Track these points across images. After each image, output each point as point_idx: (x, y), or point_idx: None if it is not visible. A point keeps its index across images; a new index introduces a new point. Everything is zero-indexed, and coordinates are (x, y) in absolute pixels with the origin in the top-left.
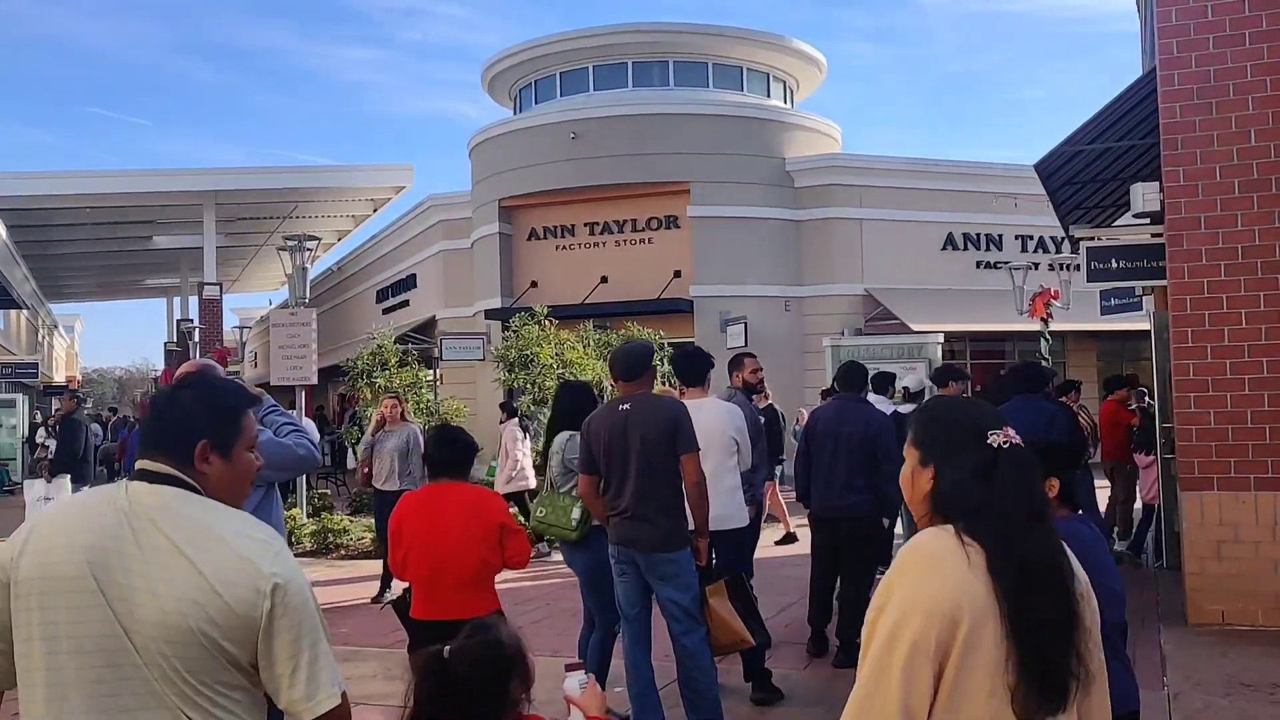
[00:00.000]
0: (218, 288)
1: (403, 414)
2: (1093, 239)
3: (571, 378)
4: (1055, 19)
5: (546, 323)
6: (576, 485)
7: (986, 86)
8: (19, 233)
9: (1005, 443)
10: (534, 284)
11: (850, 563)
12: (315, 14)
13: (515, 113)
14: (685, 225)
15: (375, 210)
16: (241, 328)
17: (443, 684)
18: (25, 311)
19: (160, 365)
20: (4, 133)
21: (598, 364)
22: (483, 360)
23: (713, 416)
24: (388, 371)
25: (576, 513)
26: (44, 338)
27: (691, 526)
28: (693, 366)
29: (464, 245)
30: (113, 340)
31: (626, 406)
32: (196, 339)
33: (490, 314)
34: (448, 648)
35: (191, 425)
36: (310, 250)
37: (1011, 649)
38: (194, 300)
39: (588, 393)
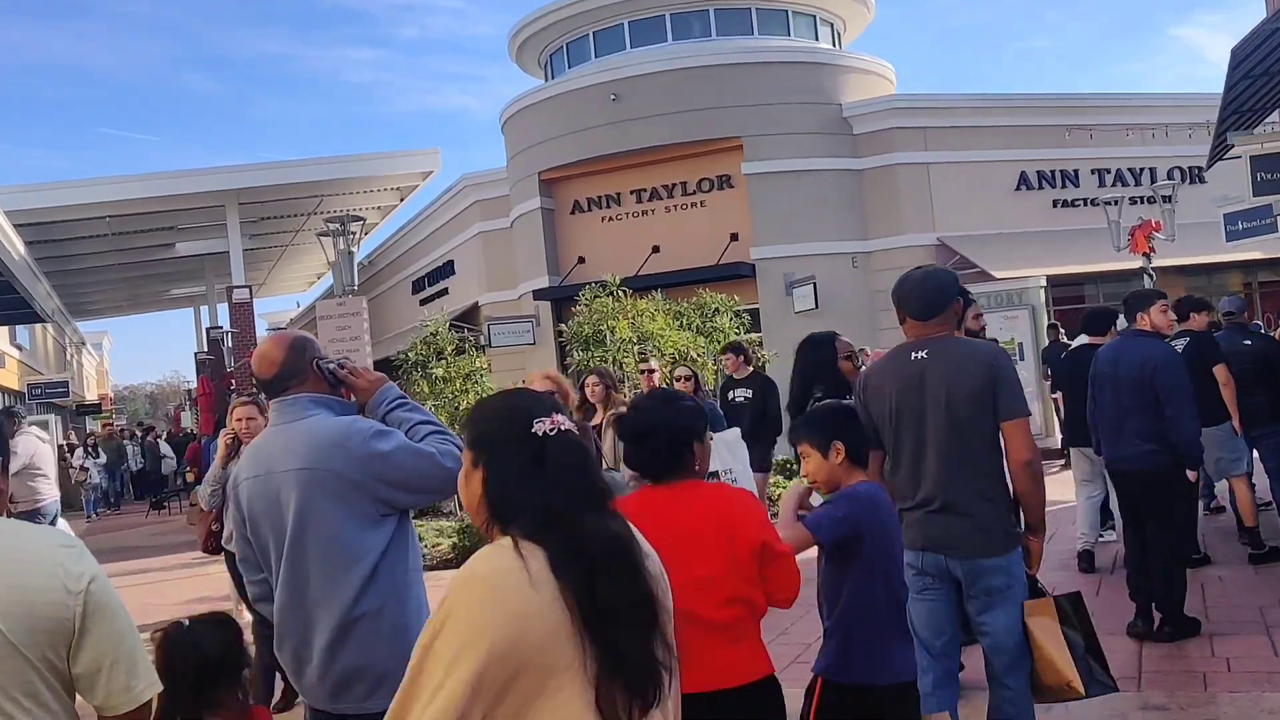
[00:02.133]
0: (248, 290)
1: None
2: (1258, 147)
3: (656, 352)
4: None
5: (621, 294)
6: None
7: (993, 38)
8: (39, 248)
9: (552, 429)
10: (581, 260)
11: (1154, 524)
12: (312, 18)
13: (547, 80)
14: (740, 184)
15: (402, 199)
16: (275, 328)
17: (190, 656)
18: (51, 330)
19: (191, 377)
20: (18, 158)
21: (678, 335)
22: (533, 344)
23: None
24: (444, 361)
25: None
26: (72, 356)
27: (1021, 521)
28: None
29: (503, 225)
30: (142, 355)
31: (922, 354)
32: (229, 344)
33: (539, 294)
34: (186, 620)
35: None
36: (354, 233)
37: (590, 649)
38: (222, 307)
39: (833, 346)
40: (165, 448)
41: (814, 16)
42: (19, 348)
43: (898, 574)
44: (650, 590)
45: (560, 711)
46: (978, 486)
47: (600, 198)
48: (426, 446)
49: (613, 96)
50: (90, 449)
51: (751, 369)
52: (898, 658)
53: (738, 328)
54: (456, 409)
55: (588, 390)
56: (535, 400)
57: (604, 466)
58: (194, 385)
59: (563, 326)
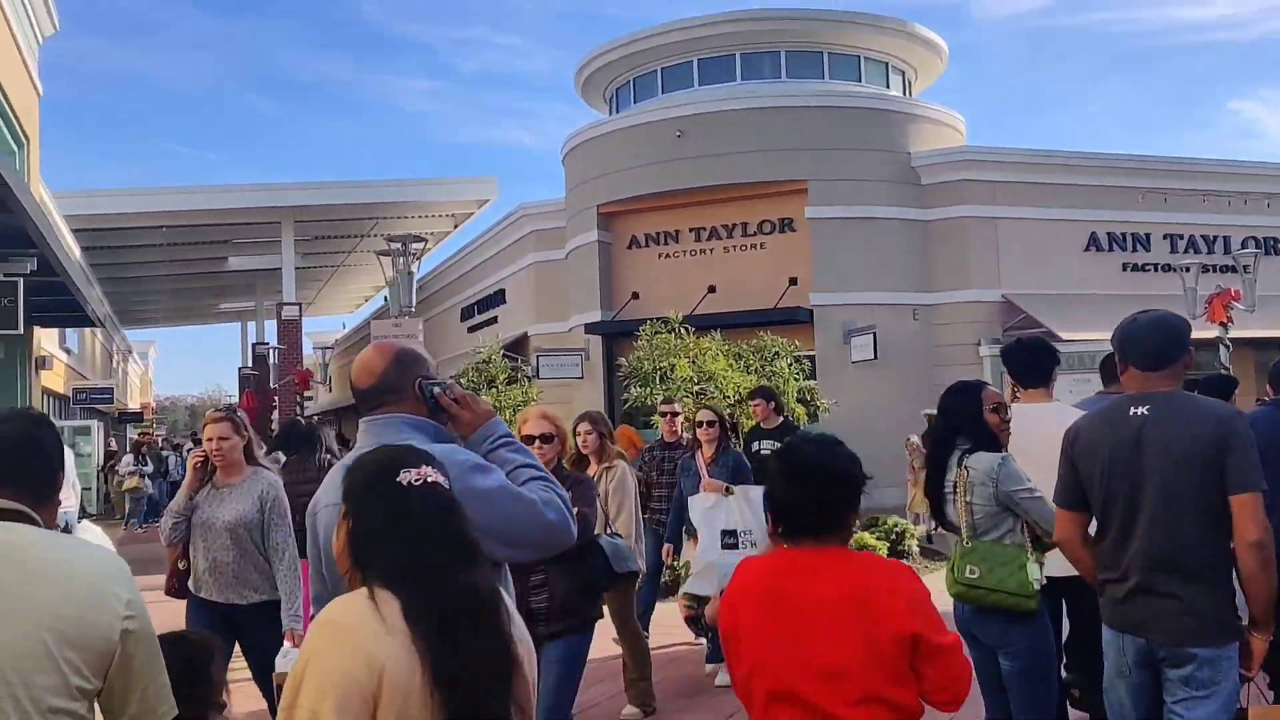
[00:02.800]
0: (297, 308)
1: (249, 452)
2: None
3: (716, 392)
4: (1113, 34)
5: (683, 331)
6: (1014, 531)
7: (1048, 103)
8: (94, 254)
9: (417, 480)
10: (635, 295)
11: None
12: (374, 45)
13: (611, 114)
14: (802, 228)
15: (456, 226)
16: (322, 349)
17: None
18: (100, 336)
19: (234, 391)
20: (80, 167)
21: (740, 376)
22: (581, 379)
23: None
24: (495, 389)
25: (1038, 571)
26: (118, 364)
27: (1244, 614)
28: (1031, 360)
29: (558, 256)
30: (185, 367)
31: (1143, 410)
32: (275, 360)
33: (590, 328)
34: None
35: (53, 461)
36: (416, 253)
37: (438, 701)
38: (270, 323)
39: (979, 396)
40: None
41: (886, 64)
42: (67, 351)
43: None
44: (508, 649)
45: None
46: (1193, 566)
47: (658, 234)
48: (528, 493)
49: (678, 133)
50: (141, 457)
51: (782, 419)
52: None
53: (797, 373)
54: None
55: (579, 440)
56: (408, 452)
57: (608, 531)
58: (236, 399)
59: (622, 361)
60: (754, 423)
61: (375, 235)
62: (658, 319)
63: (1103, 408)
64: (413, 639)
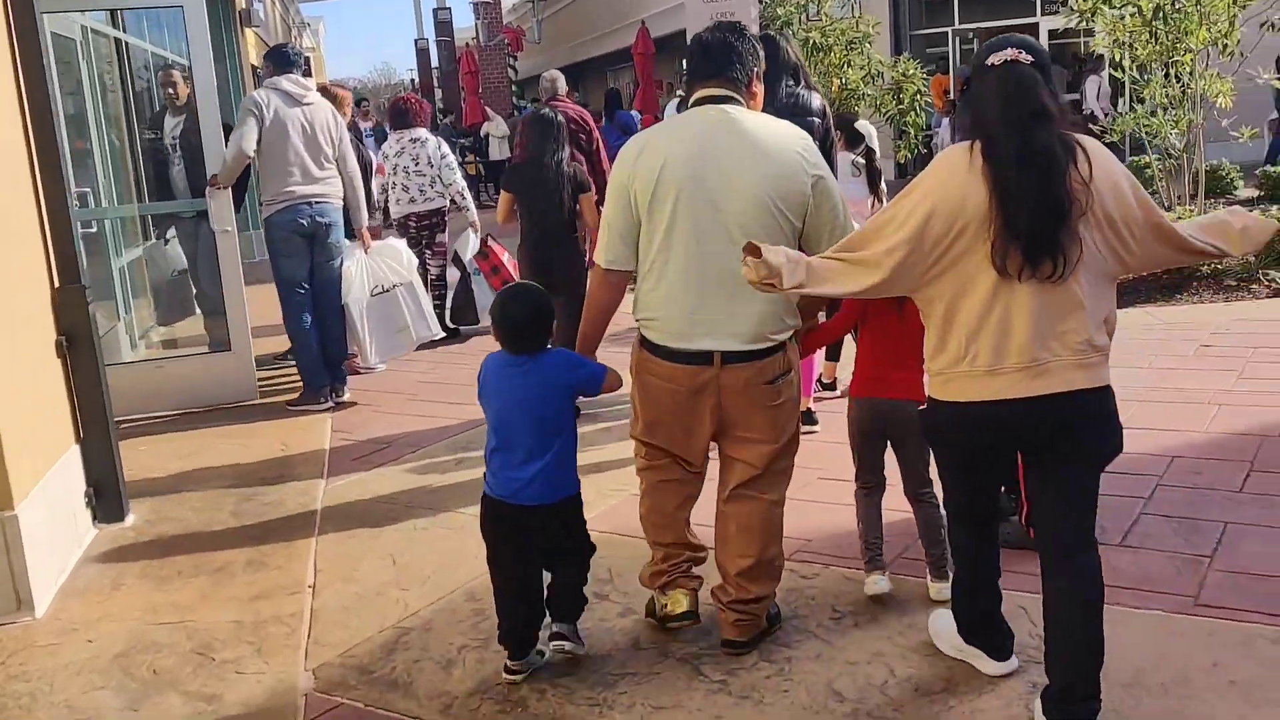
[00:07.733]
0: None
1: None
2: None
3: None
4: None
5: None
6: None
7: None
8: None
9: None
10: None
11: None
12: None
13: None
14: None
15: None
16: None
17: None
18: (278, 6)
19: (411, 66)
20: None
21: None
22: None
23: None
24: (820, 20)
25: None
26: (295, 38)
27: None
28: None
29: None
30: (346, 47)
31: None
32: (479, 20)
33: None
34: None
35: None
36: None
37: (1000, 223)
38: None
39: None
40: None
41: None
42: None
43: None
44: (1062, 199)
45: None
46: None
47: None
48: None
49: None
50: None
51: None
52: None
53: None
54: (831, 88)
55: None
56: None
57: None
58: (414, 75)
59: None
60: None
61: None
62: None
63: None
64: (985, 176)
